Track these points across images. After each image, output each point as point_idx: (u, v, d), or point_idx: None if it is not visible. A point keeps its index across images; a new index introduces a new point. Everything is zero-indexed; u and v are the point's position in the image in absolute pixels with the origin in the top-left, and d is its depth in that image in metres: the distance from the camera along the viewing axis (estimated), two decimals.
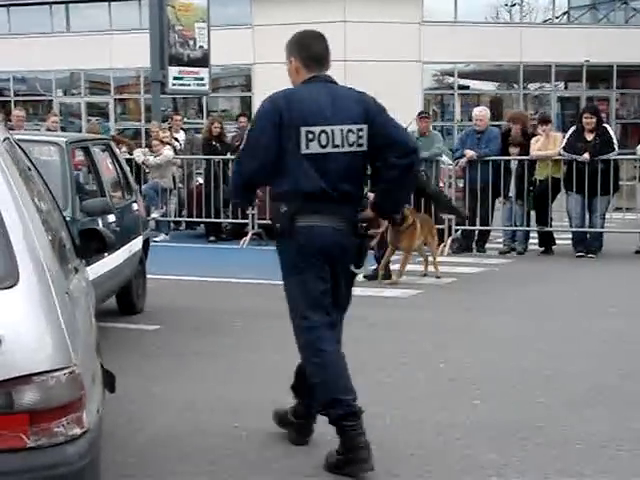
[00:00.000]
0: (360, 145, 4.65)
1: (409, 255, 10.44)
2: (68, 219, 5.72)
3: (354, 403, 4.65)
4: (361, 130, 4.64)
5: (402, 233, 10.16)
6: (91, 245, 4.64)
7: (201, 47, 14.79)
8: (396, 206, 5.23)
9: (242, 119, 15.83)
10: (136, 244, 8.41)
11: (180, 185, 15.21)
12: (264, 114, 4.69)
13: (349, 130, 4.62)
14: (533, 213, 13.06)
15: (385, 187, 4.75)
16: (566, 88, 33.03)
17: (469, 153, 12.81)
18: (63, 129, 21.21)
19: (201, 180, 14.83)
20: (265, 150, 4.60)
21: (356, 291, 9.78)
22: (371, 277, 10.21)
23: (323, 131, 4.59)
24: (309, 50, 4.86)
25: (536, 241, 13.18)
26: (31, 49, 29.50)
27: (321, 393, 4.73)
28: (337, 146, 4.61)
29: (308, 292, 4.70)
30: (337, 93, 4.77)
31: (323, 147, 4.59)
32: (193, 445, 5.16)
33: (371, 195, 4.92)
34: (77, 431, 3.17)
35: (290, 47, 4.92)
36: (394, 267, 10.61)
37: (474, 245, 13.15)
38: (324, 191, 4.59)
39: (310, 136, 4.58)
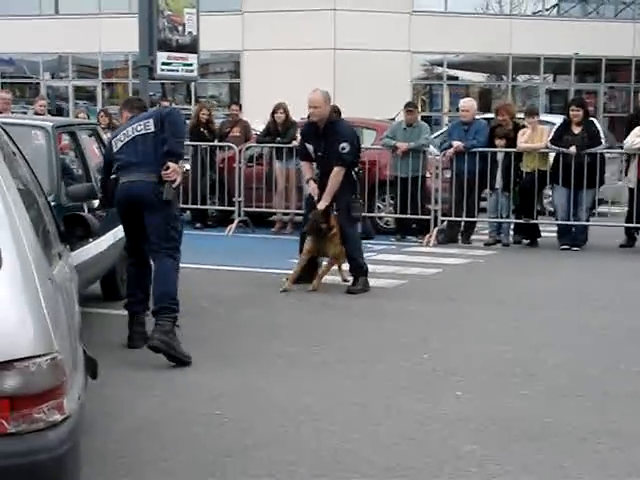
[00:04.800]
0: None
1: (333, 263, 9.65)
2: (53, 204, 5.71)
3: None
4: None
5: (327, 241, 9.43)
6: (75, 231, 4.65)
7: (190, 33, 14.70)
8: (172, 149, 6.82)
9: (234, 107, 15.81)
10: (121, 229, 8.36)
11: None
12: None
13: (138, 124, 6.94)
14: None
15: None
16: (555, 81, 33.09)
17: (457, 144, 12.82)
18: (50, 113, 21.11)
19: (188, 166, 14.80)
20: (105, 158, 7.46)
21: (338, 279, 9.79)
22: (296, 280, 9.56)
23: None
24: (130, 105, 7.50)
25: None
26: (19, 31, 29.35)
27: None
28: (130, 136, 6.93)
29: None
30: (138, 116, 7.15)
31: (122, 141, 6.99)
32: (175, 432, 5.17)
33: None
34: (58, 417, 3.18)
35: (121, 105, 7.85)
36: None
37: (459, 236, 13.17)
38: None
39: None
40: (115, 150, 7.01)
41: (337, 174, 9.25)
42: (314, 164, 9.73)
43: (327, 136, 9.35)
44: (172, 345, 6.46)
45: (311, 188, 9.63)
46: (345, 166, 9.29)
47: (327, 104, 9.38)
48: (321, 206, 9.29)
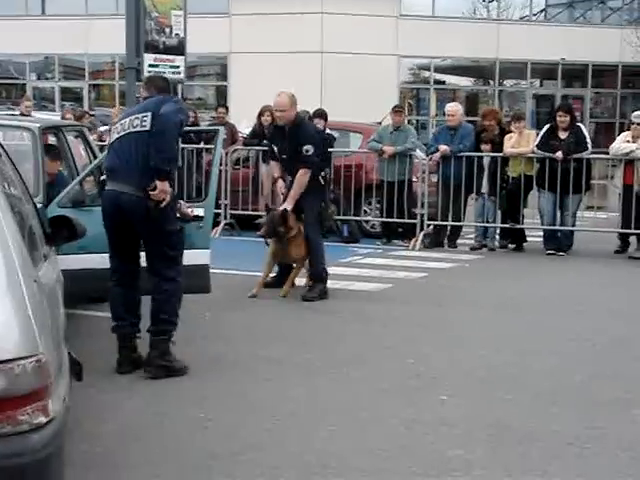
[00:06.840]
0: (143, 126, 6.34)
1: (301, 266, 9.56)
2: (39, 206, 5.68)
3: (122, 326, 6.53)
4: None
5: (289, 244, 9.31)
6: (62, 233, 4.63)
7: (177, 35, 14.68)
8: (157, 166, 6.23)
9: (221, 110, 15.83)
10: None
11: None
12: None
13: (135, 117, 6.40)
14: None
15: None
16: (541, 86, 33.20)
17: (443, 148, 12.83)
18: None
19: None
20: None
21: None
22: (269, 285, 9.58)
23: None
24: (150, 83, 6.83)
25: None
26: (5, 32, 29.24)
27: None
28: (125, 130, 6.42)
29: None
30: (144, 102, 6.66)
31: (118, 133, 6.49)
32: (160, 435, 5.16)
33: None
34: (42, 419, 3.16)
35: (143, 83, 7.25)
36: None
37: (445, 240, 13.18)
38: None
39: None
40: (110, 141, 6.58)
41: (301, 176, 9.15)
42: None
43: (292, 138, 9.20)
44: (170, 368, 6.33)
45: (278, 186, 9.61)
46: (309, 168, 9.18)
47: (293, 107, 9.23)
48: (287, 207, 9.22)
